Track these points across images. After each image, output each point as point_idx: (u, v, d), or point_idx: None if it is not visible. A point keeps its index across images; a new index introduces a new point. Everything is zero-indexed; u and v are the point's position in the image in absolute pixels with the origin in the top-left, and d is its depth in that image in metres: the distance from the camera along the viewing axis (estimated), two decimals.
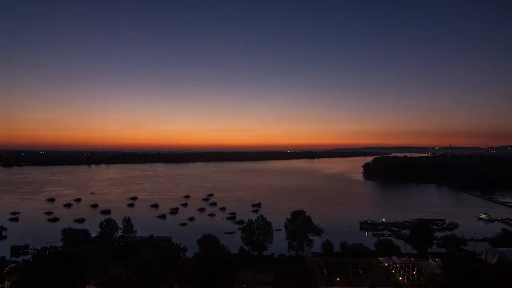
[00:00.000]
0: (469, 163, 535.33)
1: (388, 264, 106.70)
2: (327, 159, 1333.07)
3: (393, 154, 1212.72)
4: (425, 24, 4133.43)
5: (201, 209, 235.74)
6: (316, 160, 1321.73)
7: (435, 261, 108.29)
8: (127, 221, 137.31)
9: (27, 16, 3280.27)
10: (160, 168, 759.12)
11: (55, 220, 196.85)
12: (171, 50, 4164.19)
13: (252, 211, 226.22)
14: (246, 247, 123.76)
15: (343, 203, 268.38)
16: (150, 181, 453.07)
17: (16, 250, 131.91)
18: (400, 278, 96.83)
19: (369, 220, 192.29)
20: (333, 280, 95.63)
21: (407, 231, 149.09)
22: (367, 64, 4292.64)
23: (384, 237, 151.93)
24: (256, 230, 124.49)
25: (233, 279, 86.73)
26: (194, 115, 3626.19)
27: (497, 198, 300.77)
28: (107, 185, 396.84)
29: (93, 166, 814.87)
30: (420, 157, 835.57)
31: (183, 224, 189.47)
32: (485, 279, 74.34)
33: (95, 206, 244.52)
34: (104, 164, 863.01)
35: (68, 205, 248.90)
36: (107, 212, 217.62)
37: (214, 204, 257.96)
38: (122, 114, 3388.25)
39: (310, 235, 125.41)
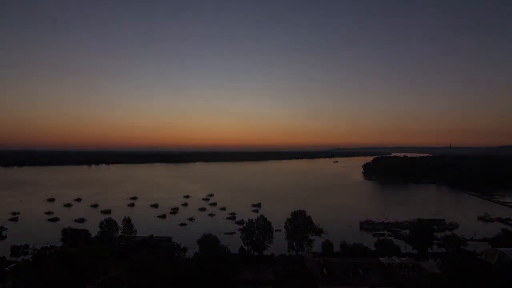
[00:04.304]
0: (469, 163, 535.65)
1: (388, 264, 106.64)
2: (327, 159, 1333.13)
3: (393, 154, 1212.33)
4: (426, 24, 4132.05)
5: (201, 209, 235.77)
6: (316, 160, 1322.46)
7: (435, 261, 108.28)
8: (127, 221, 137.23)
9: (30, 12, 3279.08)
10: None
11: (55, 220, 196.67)
12: (171, 50, 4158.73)
13: (252, 211, 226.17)
14: (246, 247, 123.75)
15: (343, 203, 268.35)
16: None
17: (16, 250, 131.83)
18: (400, 278, 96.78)
19: (369, 220, 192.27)
20: (333, 280, 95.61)
21: (407, 231, 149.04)
22: (367, 64, 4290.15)
23: (384, 237, 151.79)
24: (256, 230, 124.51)
25: (233, 279, 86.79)
26: (193, 114, 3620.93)
27: (497, 198, 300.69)
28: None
29: (93, 166, 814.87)
30: (420, 157, 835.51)
31: (183, 224, 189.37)
32: (485, 279, 74.39)
33: (95, 206, 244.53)
34: (104, 164, 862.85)
35: (68, 205, 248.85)
36: (107, 212, 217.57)
37: (214, 204, 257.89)
38: (121, 113, 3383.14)
39: (310, 235, 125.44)
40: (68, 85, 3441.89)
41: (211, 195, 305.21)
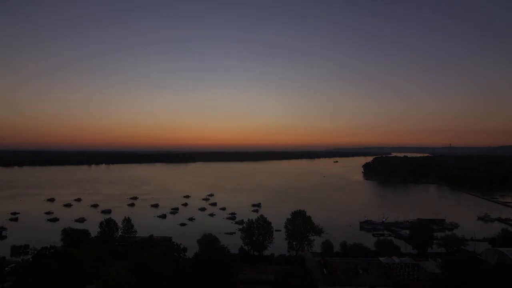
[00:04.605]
0: (469, 163, 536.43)
1: (388, 264, 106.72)
2: (327, 159, 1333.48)
3: (393, 154, 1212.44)
4: (425, 22, 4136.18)
5: (201, 209, 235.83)
6: (316, 160, 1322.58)
7: (435, 261, 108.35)
8: (127, 221, 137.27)
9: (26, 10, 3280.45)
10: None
11: (55, 220, 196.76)
12: (172, 50, 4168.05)
13: (252, 211, 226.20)
14: (246, 247, 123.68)
15: (343, 203, 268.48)
16: None
17: (16, 250, 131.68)
18: (400, 278, 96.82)
19: (369, 220, 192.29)
20: (333, 280, 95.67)
21: (407, 231, 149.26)
22: (366, 63, 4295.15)
23: (384, 237, 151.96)
24: (256, 230, 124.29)
25: (233, 279, 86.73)
26: (193, 114, 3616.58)
27: (497, 198, 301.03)
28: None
29: (93, 166, 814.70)
30: (420, 157, 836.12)
31: (183, 224, 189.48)
32: (485, 279, 74.38)
33: (95, 206, 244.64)
34: (104, 164, 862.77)
35: (68, 205, 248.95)
36: (107, 212, 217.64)
37: (214, 204, 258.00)
38: (121, 113, 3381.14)
39: (310, 235, 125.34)
40: (68, 85, 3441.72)
41: (211, 195, 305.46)
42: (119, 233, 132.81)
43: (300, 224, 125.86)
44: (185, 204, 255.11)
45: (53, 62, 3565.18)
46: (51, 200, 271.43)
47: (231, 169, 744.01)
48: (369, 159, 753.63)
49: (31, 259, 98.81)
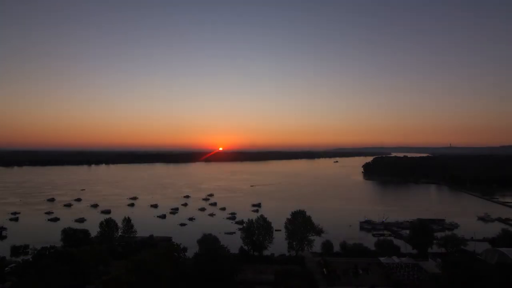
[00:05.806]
0: (469, 163, 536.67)
1: (388, 264, 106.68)
2: (327, 159, 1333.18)
3: (393, 154, 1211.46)
4: (425, 23, 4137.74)
5: (201, 209, 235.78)
6: (316, 160, 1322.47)
7: (435, 261, 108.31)
8: (127, 221, 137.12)
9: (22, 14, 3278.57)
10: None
11: (55, 220, 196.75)
12: (171, 50, 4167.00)
13: (252, 211, 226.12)
14: (246, 247, 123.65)
15: (343, 203, 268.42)
16: None
17: (16, 250, 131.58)
18: (400, 278, 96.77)
19: (369, 220, 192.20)
20: (333, 280, 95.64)
21: (407, 231, 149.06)
22: (366, 63, 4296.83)
23: (384, 237, 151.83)
24: (256, 230, 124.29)
25: (233, 279, 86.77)
26: (193, 114, 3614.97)
27: (497, 198, 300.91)
28: None
29: (93, 166, 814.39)
30: (420, 157, 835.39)
31: (183, 224, 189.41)
32: (485, 279, 74.36)
33: (95, 206, 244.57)
34: (104, 164, 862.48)
35: (68, 205, 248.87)
36: (107, 212, 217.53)
37: (214, 204, 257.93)
38: (121, 113, 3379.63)
39: (310, 235, 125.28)
40: (68, 85, 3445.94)
41: (211, 195, 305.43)
42: (119, 233, 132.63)
43: (300, 224, 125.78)
44: (185, 204, 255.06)
45: (53, 62, 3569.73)
46: (51, 200, 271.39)
47: (229, 170, 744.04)
48: (369, 159, 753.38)
49: (31, 259, 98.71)
